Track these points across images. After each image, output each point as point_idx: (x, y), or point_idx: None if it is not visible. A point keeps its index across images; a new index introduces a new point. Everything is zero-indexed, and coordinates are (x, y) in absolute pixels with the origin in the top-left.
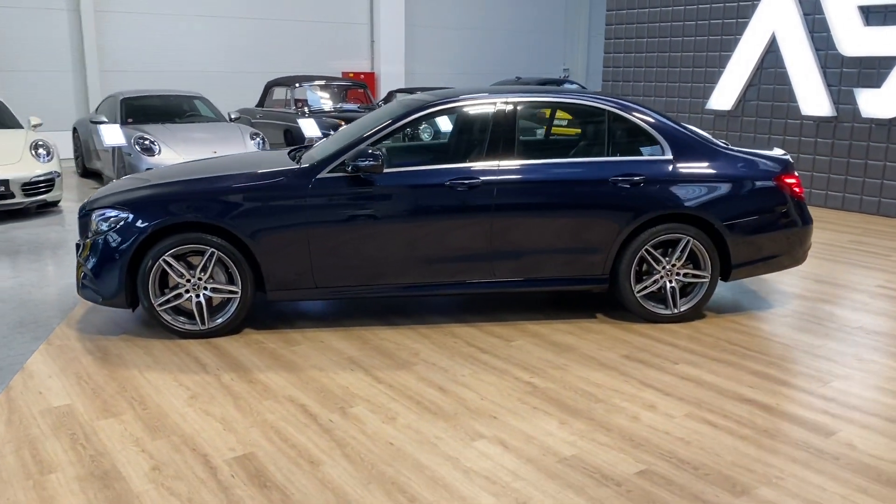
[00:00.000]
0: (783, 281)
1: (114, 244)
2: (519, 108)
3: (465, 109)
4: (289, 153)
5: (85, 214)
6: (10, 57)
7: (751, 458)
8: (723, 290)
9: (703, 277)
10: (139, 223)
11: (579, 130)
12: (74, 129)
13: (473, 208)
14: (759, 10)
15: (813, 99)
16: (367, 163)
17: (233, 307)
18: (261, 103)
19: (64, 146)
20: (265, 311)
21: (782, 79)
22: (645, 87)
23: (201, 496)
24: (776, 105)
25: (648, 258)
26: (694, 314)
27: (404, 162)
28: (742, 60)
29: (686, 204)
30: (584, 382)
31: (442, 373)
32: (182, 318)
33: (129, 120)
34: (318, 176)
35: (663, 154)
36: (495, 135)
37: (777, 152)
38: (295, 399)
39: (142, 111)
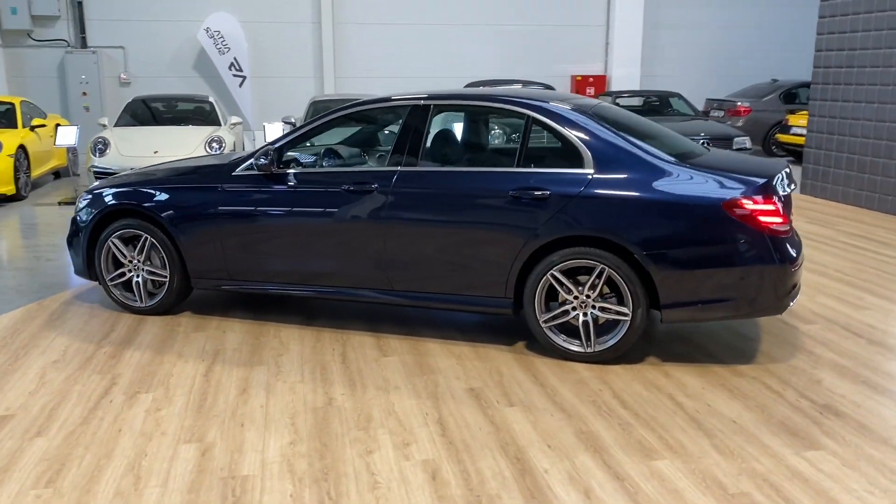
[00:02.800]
0: (825, 339)
1: (80, 224)
2: (431, 111)
3: (379, 112)
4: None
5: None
6: (265, 65)
7: None
8: (724, 332)
9: (623, 315)
10: (94, 207)
11: (496, 136)
12: None
13: (368, 215)
14: None
15: None
16: (261, 162)
17: (163, 290)
18: None
19: None
20: (227, 297)
21: None
22: (855, 91)
23: None
24: None
25: (556, 285)
26: (614, 355)
27: (315, 164)
28: None
29: (599, 226)
30: (382, 407)
31: (272, 376)
32: (129, 295)
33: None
34: (233, 173)
35: (583, 167)
36: (402, 139)
37: (764, 169)
38: (117, 377)
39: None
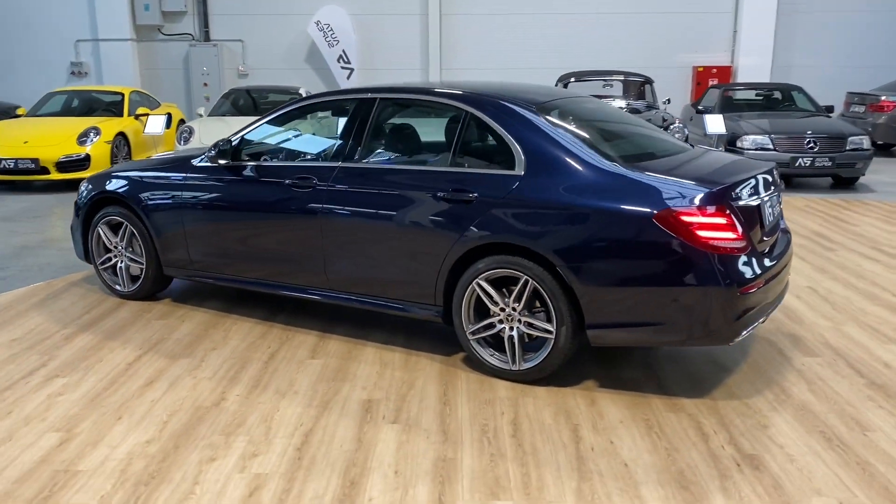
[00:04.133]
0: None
1: (78, 210)
2: (375, 105)
3: (331, 106)
4: None
5: None
6: (372, 57)
7: None
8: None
9: (547, 332)
10: (86, 195)
11: (437, 132)
12: None
13: (307, 211)
14: None
15: None
16: (210, 154)
17: (141, 277)
18: None
19: None
20: (211, 287)
21: None
22: None
23: None
24: None
25: (482, 295)
26: (538, 375)
27: (270, 157)
28: None
29: (521, 233)
30: (264, 413)
31: (189, 370)
32: (116, 279)
33: None
34: (195, 164)
35: (514, 168)
36: (345, 134)
37: (727, 174)
38: (53, 359)
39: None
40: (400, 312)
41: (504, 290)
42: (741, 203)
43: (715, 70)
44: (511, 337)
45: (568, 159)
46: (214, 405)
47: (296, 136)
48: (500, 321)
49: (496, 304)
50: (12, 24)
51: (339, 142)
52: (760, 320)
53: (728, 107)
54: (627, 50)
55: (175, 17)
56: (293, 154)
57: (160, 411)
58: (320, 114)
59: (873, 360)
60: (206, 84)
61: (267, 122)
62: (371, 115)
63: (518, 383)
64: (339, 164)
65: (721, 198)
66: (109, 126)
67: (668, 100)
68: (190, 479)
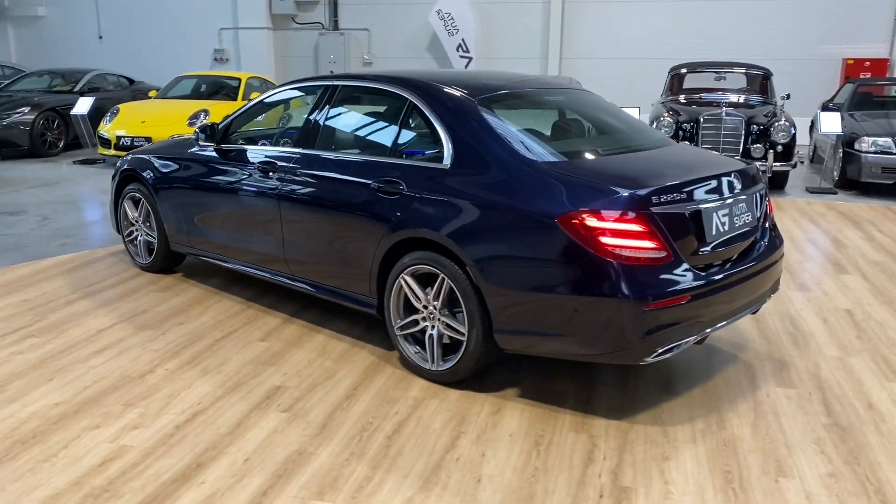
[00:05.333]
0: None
1: (112, 185)
2: (336, 92)
3: (299, 93)
4: None
5: None
6: (492, 46)
7: None
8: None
9: (459, 333)
10: (117, 170)
11: (381, 121)
12: None
13: (269, 196)
14: None
15: None
16: (197, 137)
17: (154, 250)
18: (666, 90)
19: None
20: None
21: None
22: None
23: None
24: None
25: (407, 290)
26: (451, 379)
27: (248, 142)
28: None
29: (437, 229)
30: (177, 389)
31: (145, 342)
32: (137, 251)
33: None
34: (192, 146)
35: (442, 161)
36: (307, 121)
37: (665, 174)
38: (41, 320)
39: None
40: (344, 303)
41: (431, 287)
42: (672, 208)
43: (868, 63)
44: (431, 336)
45: (491, 153)
46: (139, 377)
47: (274, 121)
48: (424, 319)
49: (419, 301)
50: (161, 13)
51: (301, 129)
52: (690, 339)
53: (863, 104)
54: (764, 40)
55: (307, 7)
56: (265, 139)
57: (89, 378)
58: (296, 100)
59: (858, 399)
60: (332, 72)
61: (252, 107)
62: (330, 102)
63: (436, 384)
64: (299, 151)
65: (640, 202)
66: (219, 109)
67: (787, 95)
68: (62, 444)
